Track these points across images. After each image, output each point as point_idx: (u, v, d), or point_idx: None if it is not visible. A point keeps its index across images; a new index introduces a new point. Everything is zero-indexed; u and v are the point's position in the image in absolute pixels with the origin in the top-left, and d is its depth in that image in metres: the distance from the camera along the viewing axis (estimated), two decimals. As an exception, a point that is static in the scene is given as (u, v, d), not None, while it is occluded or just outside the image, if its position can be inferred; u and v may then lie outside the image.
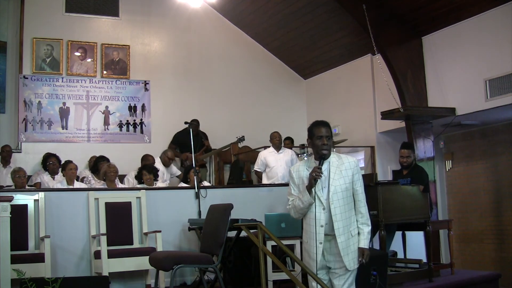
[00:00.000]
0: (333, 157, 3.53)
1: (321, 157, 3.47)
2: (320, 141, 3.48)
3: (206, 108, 9.27)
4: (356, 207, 3.52)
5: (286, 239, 4.99)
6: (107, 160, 7.57)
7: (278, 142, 7.66)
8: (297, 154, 8.03)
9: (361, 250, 3.47)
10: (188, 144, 8.28)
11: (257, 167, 7.77)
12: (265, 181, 7.62)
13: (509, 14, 6.58)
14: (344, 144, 8.29)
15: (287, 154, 7.65)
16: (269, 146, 7.86)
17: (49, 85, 8.43)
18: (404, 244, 6.56)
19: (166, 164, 7.96)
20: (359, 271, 3.59)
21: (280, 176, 7.40)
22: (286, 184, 6.80)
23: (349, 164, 3.52)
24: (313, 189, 3.42)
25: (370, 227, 3.53)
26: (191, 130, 6.81)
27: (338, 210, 3.42)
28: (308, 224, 3.50)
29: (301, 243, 4.90)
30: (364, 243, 3.48)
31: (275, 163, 7.56)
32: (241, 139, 8.51)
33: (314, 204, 3.43)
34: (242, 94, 9.73)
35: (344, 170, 3.49)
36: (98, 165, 7.52)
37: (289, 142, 8.60)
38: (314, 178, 3.39)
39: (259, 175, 7.80)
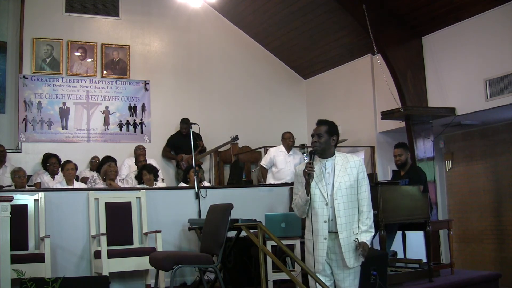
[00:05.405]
0: (339, 156, 3.61)
1: (311, 153, 3.57)
2: (312, 139, 3.62)
3: (206, 108, 9.25)
4: (358, 206, 3.54)
5: (286, 239, 4.99)
6: (113, 160, 7.57)
7: (292, 143, 7.52)
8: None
9: (360, 244, 3.45)
10: (182, 146, 8.35)
11: (264, 163, 7.57)
12: (270, 180, 7.45)
13: (509, 14, 6.57)
14: (344, 144, 8.28)
15: (296, 157, 7.48)
16: (270, 147, 7.82)
17: (49, 85, 8.42)
18: (404, 244, 6.56)
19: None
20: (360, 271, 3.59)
21: (289, 179, 7.21)
22: (287, 185, 6.89)
23: (354, 162, 3.59)
24: (310, 185, 3.46)
25: (369, 225, 3.52)
26: (190, 130, 6.82)
27: (341, 206, 3.47)
28: (314, 221, 3.52)
29: (301, 243, 4.92)
30: (366, 238, 3.47)
31: (284, 165, 7.40)
32: (235, 138, 8.49)
33: (310, 200, 3.47)
34: (242, 94, 9.71)
35: (349, 168, 3.56)
36: (104, 165, 7.51)
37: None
38: (307, 173, 3.45)
39: (264, 171, 7.60)
